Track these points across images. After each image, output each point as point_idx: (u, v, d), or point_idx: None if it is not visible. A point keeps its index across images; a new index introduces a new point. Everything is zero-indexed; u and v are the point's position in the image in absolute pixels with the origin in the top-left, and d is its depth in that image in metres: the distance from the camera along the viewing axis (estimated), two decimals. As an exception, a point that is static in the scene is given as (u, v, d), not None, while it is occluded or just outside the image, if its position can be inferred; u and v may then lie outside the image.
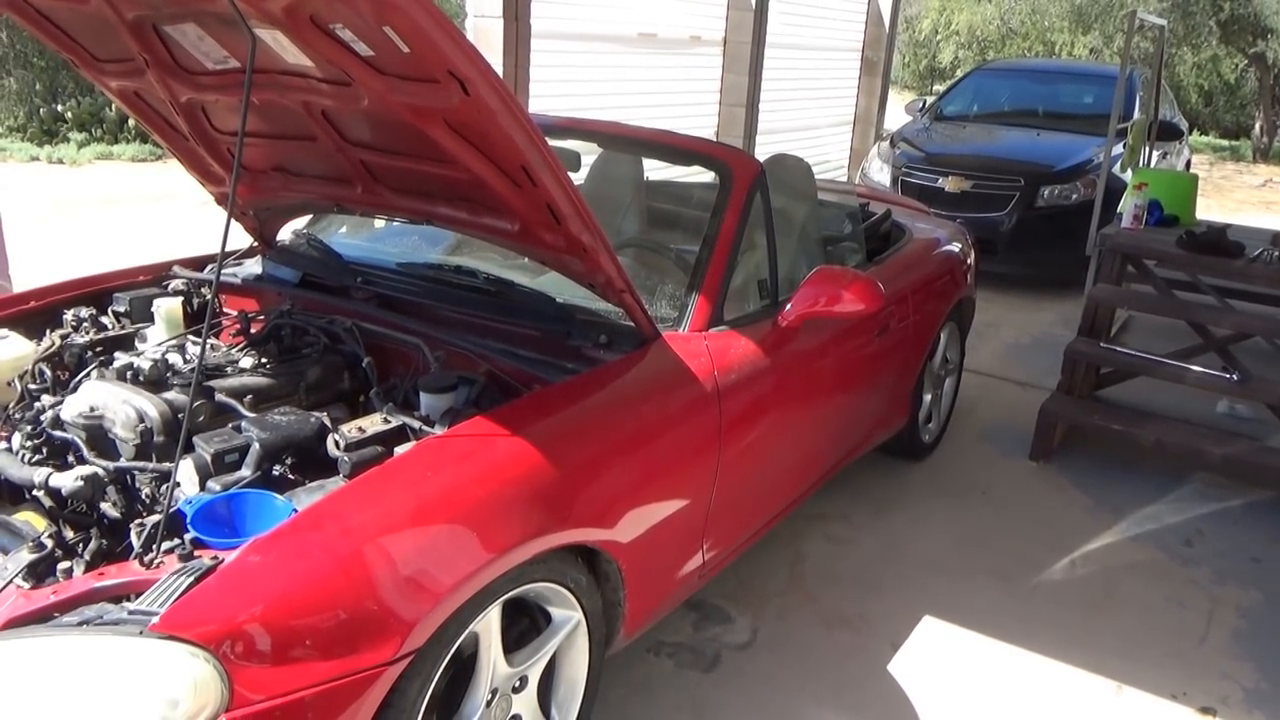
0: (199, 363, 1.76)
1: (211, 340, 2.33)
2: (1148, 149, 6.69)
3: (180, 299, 2.45)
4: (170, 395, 1.95)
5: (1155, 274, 4.33)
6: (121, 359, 2.12)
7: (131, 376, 2.01)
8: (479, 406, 1.97)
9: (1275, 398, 3.79)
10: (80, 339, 2.29)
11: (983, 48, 21.26)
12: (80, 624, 1.38)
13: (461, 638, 1.63)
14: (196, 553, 1.53)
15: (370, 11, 1.53)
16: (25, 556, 1.57)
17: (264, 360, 2.18)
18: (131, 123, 10.47)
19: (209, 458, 1.77)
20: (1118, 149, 6.09)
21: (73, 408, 1.93)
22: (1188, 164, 8.88)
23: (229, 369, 2.14)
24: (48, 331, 2.32)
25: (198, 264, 2.75)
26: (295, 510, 1.63)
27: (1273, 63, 16.84)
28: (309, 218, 2.87)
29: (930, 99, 8.37)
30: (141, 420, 1.85)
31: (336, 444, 1.81)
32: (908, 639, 2.67)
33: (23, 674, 1.33)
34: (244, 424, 1.88)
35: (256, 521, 1.62)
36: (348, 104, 1.89)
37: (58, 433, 1.91)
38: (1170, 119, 7.64)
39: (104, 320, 2.44)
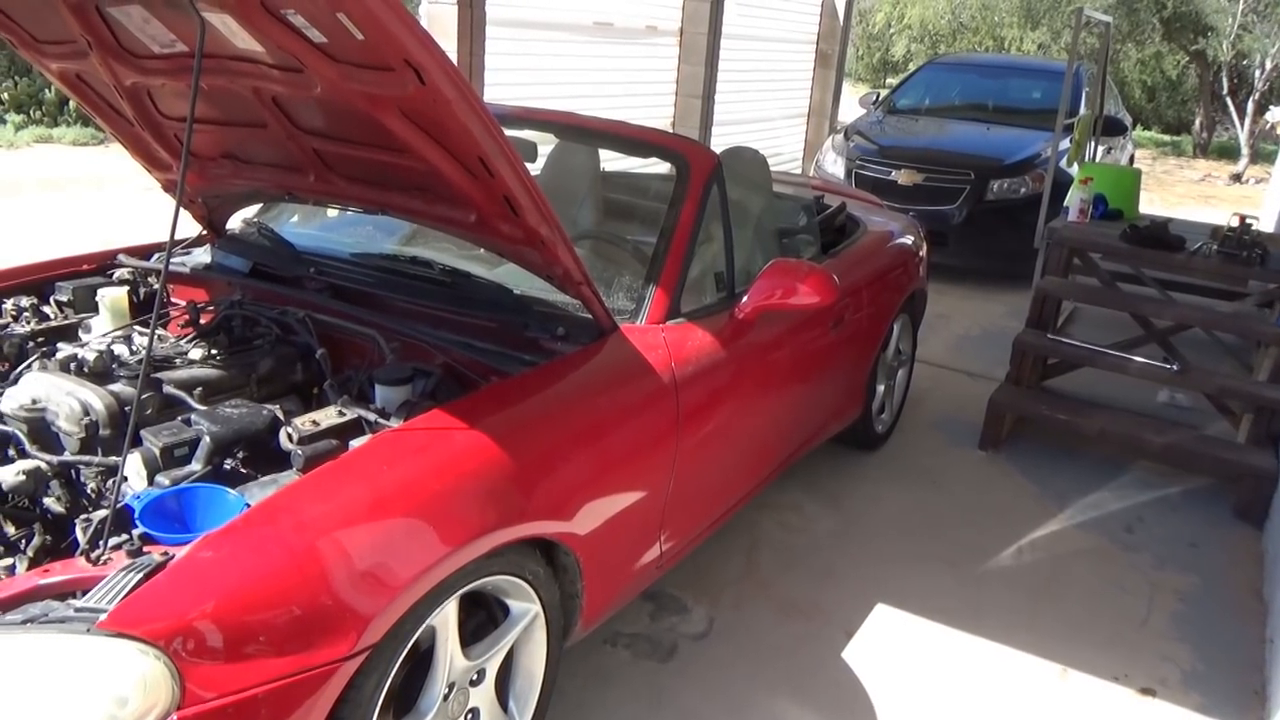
0: (147, 353, 1.72)
1: (159, 331, 2.28)
2: (1093, 144, 6.83)
3: (126, 288, 2.39)
4: (116, 387, 1.90)
5: (1100, 267, 4.44)
6: (65, 350, 2.07)
7: (75, 368, 1.96)
8: (435, 399, 1.95)
9: (1213, 388, 3.91)
10: (21, 329, 2.23)
11: (934, 42, 21.52)
12: (24, 622, 1.34)
13: (418, 632, 1.62)
14: (145, 549, 1.50)
15: (324, -3, 1.50)
16: (-35, 554, 1.53)
17: (214, 351, 2.14)
18: (73, 105, 10.16)
19: (157, 451, 1.74)
20: (1064, 144, 6.21)
21: (13, 400, 1.88)
22: (1131, 158, 9.09)
23: (178, 360, 2.09)
24: (-14, 321, 2.26)
25: (144, 252, 2.68)
26: (247, 505, 1.60)
27: (1213, 60, 17.31)
28: (260, 206, 2.82)
29: (883, 92, 8.46)
30: (86, 413, 1.81)
31: (290, 437, 1.79)
32: (860, 626, 2.72)
33: (-36, 675, 1.29)
34: (194, 417, 1.84)
35: (207, 517, 1.59)
36: (300, 91, 1.85)
37: (-3, 426, 1.86)
38: (1115, 114, 7.81)
39: (46, 310, 2.38)
